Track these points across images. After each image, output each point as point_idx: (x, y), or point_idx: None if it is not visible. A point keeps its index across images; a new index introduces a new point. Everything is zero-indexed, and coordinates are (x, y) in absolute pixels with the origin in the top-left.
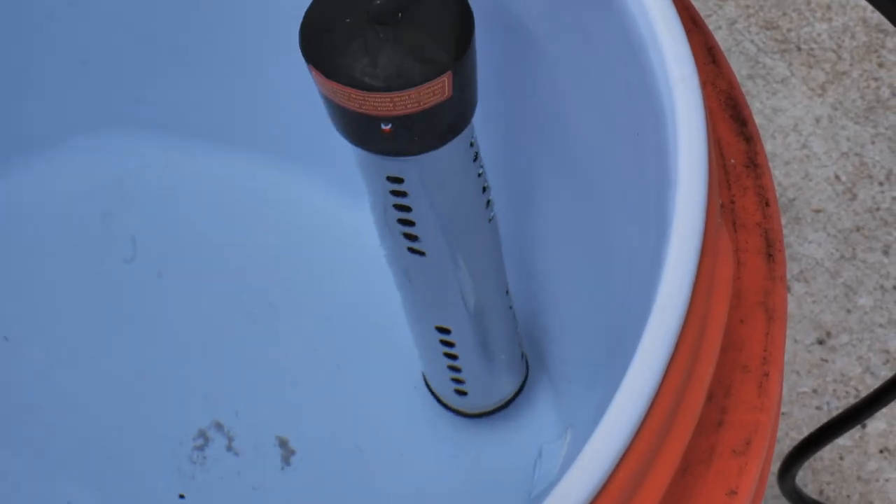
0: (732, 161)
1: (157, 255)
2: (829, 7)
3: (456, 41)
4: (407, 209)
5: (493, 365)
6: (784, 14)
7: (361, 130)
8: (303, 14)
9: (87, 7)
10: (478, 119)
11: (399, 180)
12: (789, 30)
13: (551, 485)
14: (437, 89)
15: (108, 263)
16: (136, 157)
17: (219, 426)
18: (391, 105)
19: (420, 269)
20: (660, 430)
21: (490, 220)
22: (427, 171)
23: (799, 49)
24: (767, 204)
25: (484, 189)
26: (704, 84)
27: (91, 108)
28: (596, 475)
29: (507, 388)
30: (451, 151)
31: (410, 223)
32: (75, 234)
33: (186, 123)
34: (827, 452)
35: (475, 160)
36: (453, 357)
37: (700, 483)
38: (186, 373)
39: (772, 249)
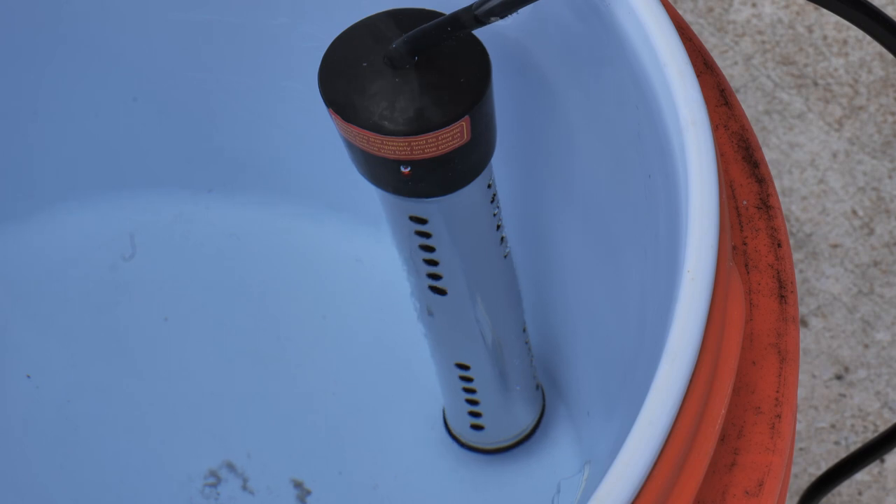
0: (745, 202)
1: (170, 299)
2: (845, 42)
3: (473, 85)
4: (431, 249)
5: (510, 398)
6: (800, 49)
7: (382, 173)
8: (320, 58)
9: (99, 62)
10: (493, 160)
11: (422, 221)
12: (806, 65)
13: None
14: (456, 134)
15: (120, 308)
16: (148, 208)
17: (231, 466)
18: (409, 150)
19: (442, 307)
20: (672, 471)
21: (505, 256)
22: (448, 212)
23: (815, 84)
24: (780, 245)
25: (498, 227)
26: (716, 126)
27: (105, 160)
28: None
29: (523, 421)
30: (471, 193)
31: (434, 263)
32: (90, 280)
33: (196, 172)
34: (845, 488)
35: (493, 201)
36: (472, 391)
37: None
38: (199, 414)
39: (784, 291)
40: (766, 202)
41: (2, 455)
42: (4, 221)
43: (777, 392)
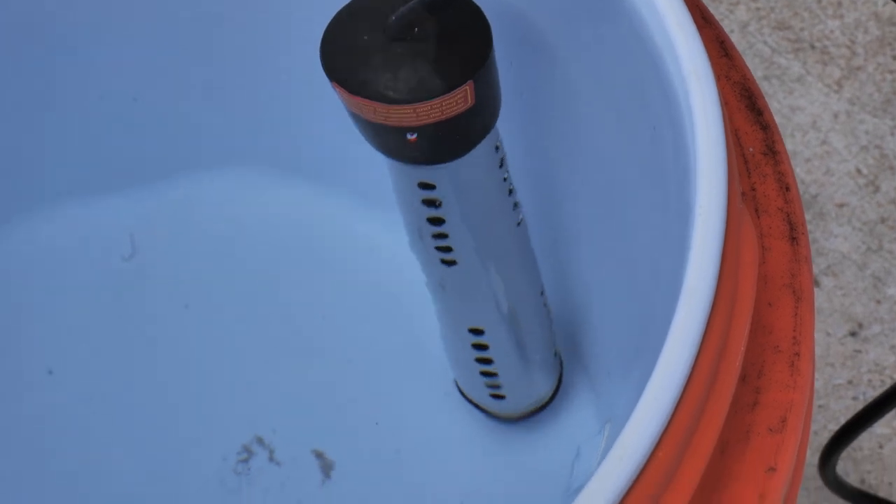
0: (751, 150)
1: (185, 288)
2: (840, 4)
3: (474, 50)
4: (440, 221)
5: (529, 366)
6: (796, 14)
7: (389, 141)
8: (320, 35)
9: (96, 53)
10: (499, 124)
11: (431, 186)
12: (802, 29)
13: (590, 474)
14: (460, 99)
15: (137, 297)
16: (156, 200)
17: (259, 441)
18: (415, 116)
19: (454, 278)
20: (695, 411)
21: (519, 223)
22: (456, 176)
23: (813, 47)
24: (788, 189)
25: (510, 192)
26: (718, 77)
27: (110, 155)
28: (636, 456)
29: (542, 387)
30: (479, 156)
31: (444, 235)
32: (103, 274)
33: (203, 154)
34: (866, 441)
35: (501, 165)
36: (488, 362)
37: (739, 461)
38: (222, 395)
39: (795, 233)
40: (773, 148)
41: (30, 448)
42: (11, 219)
43: (794, 331)
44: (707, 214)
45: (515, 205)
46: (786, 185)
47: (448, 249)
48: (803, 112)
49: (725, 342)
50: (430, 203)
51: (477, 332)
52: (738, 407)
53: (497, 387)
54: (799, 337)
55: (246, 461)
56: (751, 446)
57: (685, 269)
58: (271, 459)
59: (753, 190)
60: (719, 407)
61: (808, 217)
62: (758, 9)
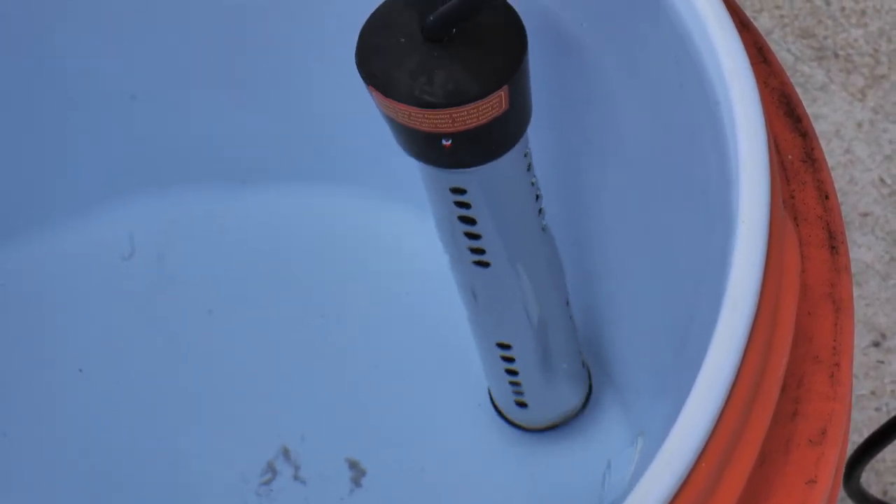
0: (790, 157)
1: (213, 292)
2: (863, 13)
3: (510, 55)
4: (471, 221)
5: (554, 377)
6: (819, 22)
7: (423, 147)
8: (356, 38)
9: (122, 59)
10: (531, 130)
11: (462, 191)
12: (825, 37)
13: (626, 489)
14: (495, 103)
15: (163, 299)
16: (184, 200)
17: (286, 453)
18: (450, 121)
19: (485, 282)
20: (738, 420)
21: (543, 228)
22: (487, 181)
23: (836, 55)
24: (827, 197)
25: (537, 197)
26: (757, 82)
27: (137, 158)
28: (679, 467)
29: (568, 400)
30: (510, 162)
31: (476, 236)
32: (131, 276)
33: (228, 164)
34: (889, 453)
35: (529, 169)
36: (513, 372)
37: (780, 473)
38: (251, 402)
39: (835, 241)
40: (811, 155)
41: (56, 454)
42: (41, 223)
43: (834, 341)
44: (750, 223)
45: (540, 210)
46: (825, 193)
47: (481, 251)
48: (826, 120)
49: (768, 353)
50: (462, 205)
51: (504, 346)
52: (778, 417)
53: (520, 393)
54: (839, 347)
55: (269, 483)
56: (791, 458)
57: (727, 278)
58: (296, 478)
59: (792, 198)
60: (762, 418)
61: None
62: (781, 16)
